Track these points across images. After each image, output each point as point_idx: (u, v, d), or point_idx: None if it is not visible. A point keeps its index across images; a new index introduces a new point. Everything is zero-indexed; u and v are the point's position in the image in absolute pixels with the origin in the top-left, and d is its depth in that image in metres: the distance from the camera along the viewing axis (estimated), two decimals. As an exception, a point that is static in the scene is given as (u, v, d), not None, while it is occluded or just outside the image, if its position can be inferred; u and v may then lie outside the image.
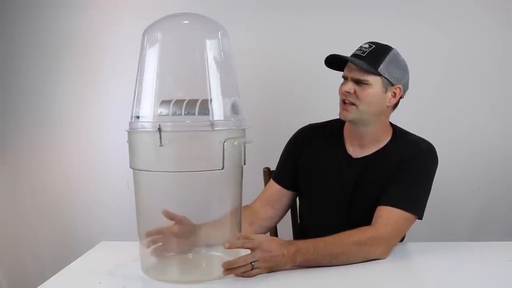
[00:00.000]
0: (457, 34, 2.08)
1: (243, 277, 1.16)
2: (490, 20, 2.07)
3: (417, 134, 1.51)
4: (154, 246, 1.23)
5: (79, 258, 1.36)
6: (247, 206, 1.55)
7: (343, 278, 1.19)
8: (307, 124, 1.62)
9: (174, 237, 1.24)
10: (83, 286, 1.19)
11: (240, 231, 1.27)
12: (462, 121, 2.10)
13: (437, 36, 2.08)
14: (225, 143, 1.10)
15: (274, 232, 1.76)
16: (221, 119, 1.13)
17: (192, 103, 1.12)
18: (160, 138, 1.09)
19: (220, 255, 1.26)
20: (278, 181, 1.58)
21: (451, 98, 2.10)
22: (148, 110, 1.16)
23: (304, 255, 1.21)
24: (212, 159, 1.11)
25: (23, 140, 2.27)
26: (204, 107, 1.12)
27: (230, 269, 1.15)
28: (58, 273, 1.24)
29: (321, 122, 1.60)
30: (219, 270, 1.18)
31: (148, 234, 1.23)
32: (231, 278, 1.17)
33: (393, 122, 1.54)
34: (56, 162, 2.27)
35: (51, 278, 1.20)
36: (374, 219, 1.34)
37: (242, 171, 1.24)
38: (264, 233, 1.63)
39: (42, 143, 2.27)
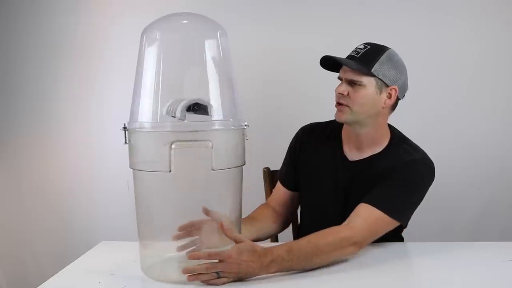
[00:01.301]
0: (457, 34, 2.08)
1: (209, 284, 1.12)
2: (491, 20, 2.07)
3: (418, 135, 1.50)
4: (190, 239, 1.21)
5: (79, 258, 1.36)
6: (266, 204, 1.58)
7: (342, 279, 1.19)
8: (308, 123, 1.62)
9: (213, 233, 1.20)
10: (83, 286, 1.19)
11: (240, 230, 1.26)
12: (463, 121, 2.10)
13: (437, 36, 2.08)
14: (172, 145, 1.09)
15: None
16: (220, 118, 1.14)
17: (187, 104, 1.12)
18: (125, 136, 1.12)
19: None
20: (282, 183, 1.59)
21: (451, 98, 2.10)
22: (146, 110, 1.16)
23: (279, 264, 1.16)
24: (211, 159, 1.12)
25: (22, 141, 2.27)
26: (200, 108, 1.12)
27: (193, 275, 1.11)
28: (58, 273, 1.24)
29: (323, 122, 1.60)
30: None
31: (182, 228, 1.20)
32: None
33: (393, 124, 1.54)
34: (56, 162, 2.27)
35: (51, 278, 1.20)
36: (351, 215, 1.31)
37: (242, 172, 1.24)
38: (284, 229, 1.64)
39: (42, 143, 2.27)
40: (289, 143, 1.62)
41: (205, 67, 1.17)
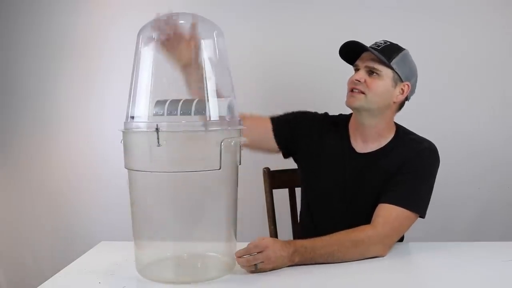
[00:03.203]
0: (458, 34, 2.07)
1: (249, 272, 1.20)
2: (493, 20, 2.06)
3: (418, 133, 1.51)
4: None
5: (79, 258, 1.36)
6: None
7: (342, 278, 1.20)
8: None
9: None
10: (83, 286, 1.19)
11: (235, 230, 1.27)
12: (462, 121, 2.10)
13: (437, 36, 2.07)
14: (222, 143, 1.10)
15: (274, 232, 1.76)
16: (216, 119, 1.13)
17: (188, 103, 1.12)
18: (158, 138, 1.08)
19: (216, 255, 1.27)
20: (275, 124, 1.55)
21: (452, 98, 2.09)
22: (142, 110, 1.16)
23: (301, 254, 1.23)
24: (209, 159, 1.11)
25: (22, 141, 2.27)
26: (201, 107, 1.11)
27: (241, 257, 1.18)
28: (58, 273, 1.24)
29: (333, 115, 1.61)
30: (215, 270, 1.20)
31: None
32: (226, 278, 1.18)
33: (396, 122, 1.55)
34: (56, 162, 2.27)
35: (51, 278, 1.20)
36: (373, 217, 1.35)
37: (238, 170, 1.24)
38: None
39: (41, 143, 2.27)
40: (307, 112, 1.59)
41: (202, 67, 1.17)
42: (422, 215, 1.39)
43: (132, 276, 1.20)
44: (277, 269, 1.21)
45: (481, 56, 2.07)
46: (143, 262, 1.22)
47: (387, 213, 1.34)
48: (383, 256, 1.31)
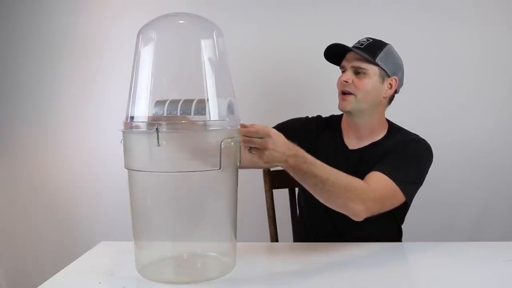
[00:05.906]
0: (461, 33, 2.07)
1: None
2: (496, 18, 2.05)
3: (419, 133, 1.52)
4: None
5: (79, 258, 1.36)
6: None
7: (341, 278, 1.19)
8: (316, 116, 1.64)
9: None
10: (83, 286, 1.19)
11: (235, 230, 1.26)
12: (462, 121, 2.10)
13: (437, 35, 2.07)
14: (222, 143, 1.10)
15: (274, 232, 1.76)
16: (216, 119, 1.13)
17: (187, 103, 1.12)
18: (158, 138, 1.08)
19: (216, 255, 1.27)
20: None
21: (452, 98, 2.09)
22: (142, 110, 1.16)
23: (299, 162, 1.17)
24: (209, 159, 1.11)
25: (22, 140, 2.27)
26: (200, 107, 1.12)
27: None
28: (58, 273, 1.24)
29: (325, 117, 1.64)
30: (215, 270, 1.21)
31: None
32: (226, 278, 1.17)
33: (392, 120, 1.56)
34: (56, 162, 2.27)
35: (51, 278, 1.20)
36: (365, 179, 1.32)
37: (238, 170, 1.24)
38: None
39: (41, 143, 2.27)
40: (298, 118, 1.62)
41: (201, 67, 1.17)
42: (407, 196, 1.37)
43: (132, 276, 1.20)
44: (270, 165, 1.15)
45: (483, 55, 2.07)
46: (143, 262, 1.22)
47: (379, 179, 1.32)
48: (359, 217, 1.26)
